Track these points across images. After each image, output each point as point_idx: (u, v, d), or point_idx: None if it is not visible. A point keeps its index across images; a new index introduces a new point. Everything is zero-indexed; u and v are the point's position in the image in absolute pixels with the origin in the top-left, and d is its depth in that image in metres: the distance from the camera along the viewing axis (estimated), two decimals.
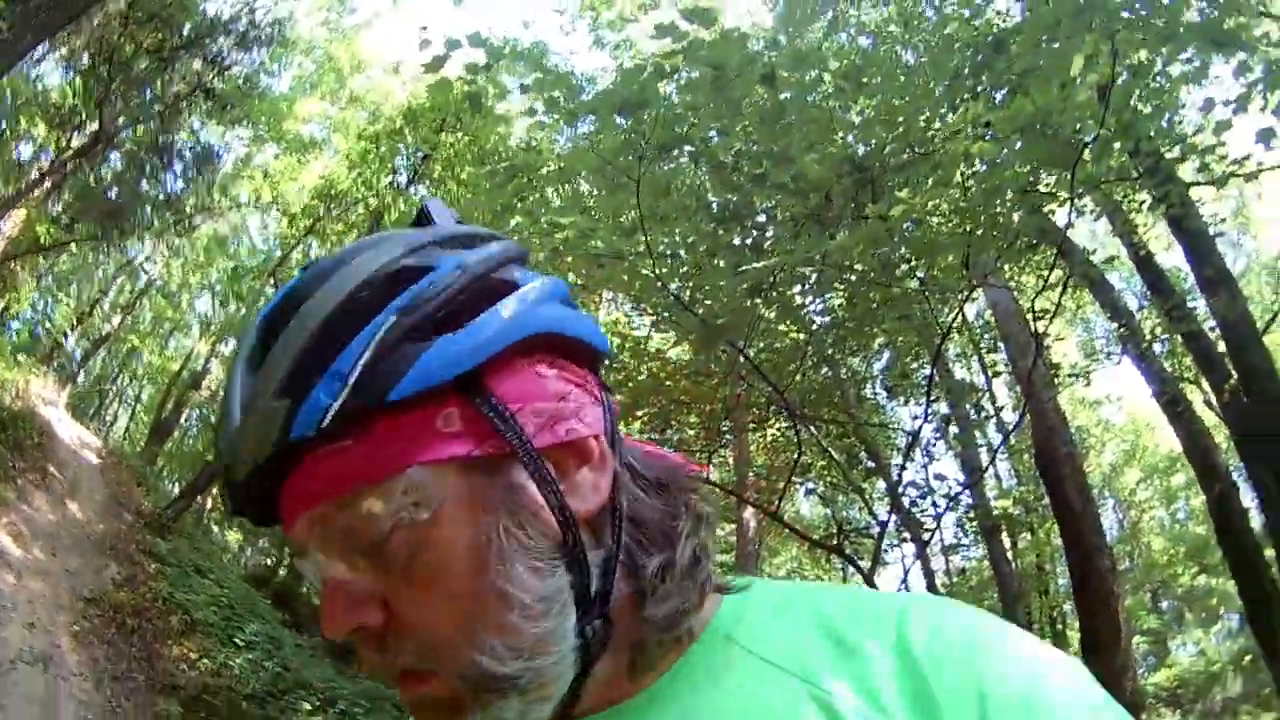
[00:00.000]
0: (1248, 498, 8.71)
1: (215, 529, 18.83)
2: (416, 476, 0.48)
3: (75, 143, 13.19)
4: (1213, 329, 8.06)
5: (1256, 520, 8.61)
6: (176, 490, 15.12)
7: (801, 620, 0.53)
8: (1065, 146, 4.23)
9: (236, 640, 9.78)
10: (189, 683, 8.41)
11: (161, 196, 15.20)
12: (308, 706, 9.34)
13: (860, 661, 0.49)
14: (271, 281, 15.84)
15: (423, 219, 0.59)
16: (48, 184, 12.97)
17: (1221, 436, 9.88)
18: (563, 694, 0.51)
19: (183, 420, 19.19)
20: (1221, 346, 7.94)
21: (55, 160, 13.08)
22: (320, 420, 0.46)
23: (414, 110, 14.73)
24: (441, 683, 0.49)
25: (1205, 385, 9.02)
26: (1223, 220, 11.79)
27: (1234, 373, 7.73)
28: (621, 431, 0.59)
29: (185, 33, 13.83)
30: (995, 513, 7.66)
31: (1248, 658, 12.99)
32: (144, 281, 19.54)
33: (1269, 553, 7.83)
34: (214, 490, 17.24)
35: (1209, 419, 9.50)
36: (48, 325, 17.51)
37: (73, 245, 15.35)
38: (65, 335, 17.30)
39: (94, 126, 13.10)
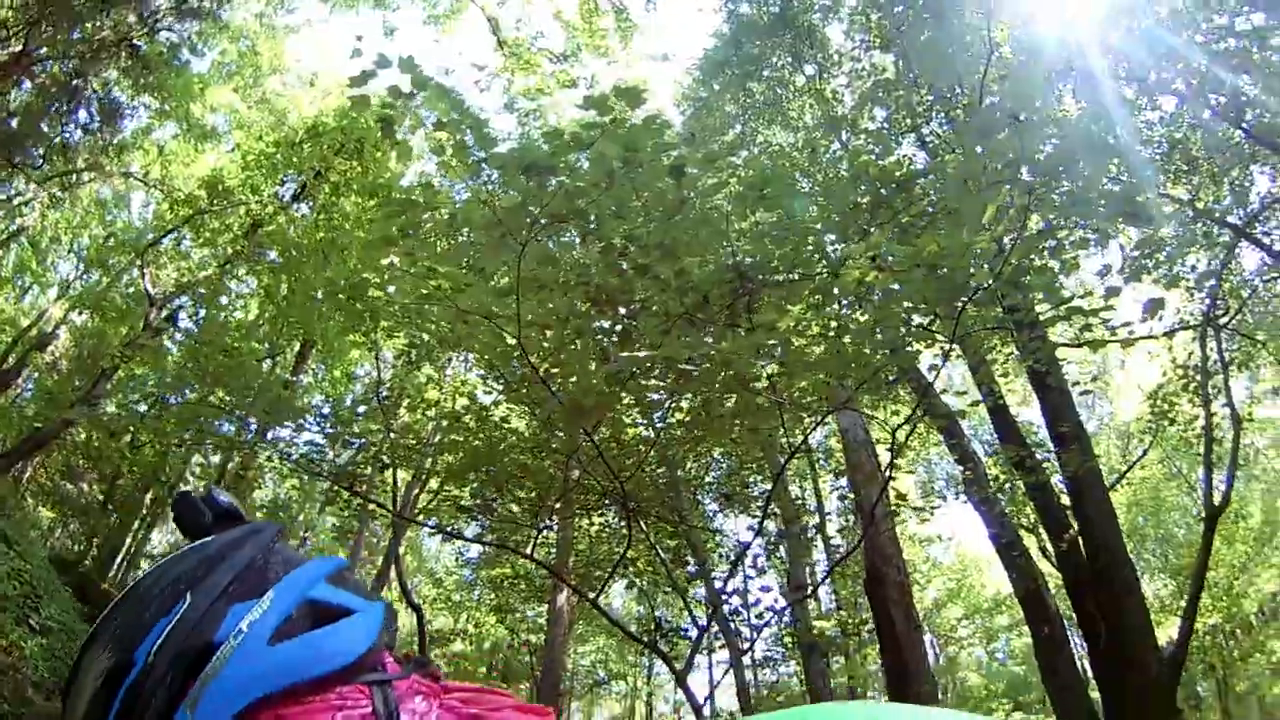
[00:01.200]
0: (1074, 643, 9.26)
1: (29, 500, 17.47)
2: None
3: None
4: (1059, 482, 8.59)
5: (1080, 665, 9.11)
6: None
7: None
8: (955, 290, 4.44)
9: (31, 622, 9.02)
10: None
11: (58, 140, 14.41)
12: None
13: None
14: (139, 263, 15.09)
15: (178, 521, 0.61)
16: None
17: (1054, 583, 10.45)
18: None
19: (20, 380, 17.78)
20: (1065, 499, 8.47)
21: None
22: None
23: (317, 126, 14.57)
24: None
25: (1043, 534, 9.59)
26: (1092, 380, 12.75)
27: (1074, 525, 8.25)
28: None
29: None
30: (815, 632, 7.81)
31: None
32: (17, 225, 18.25)
33: (1094, 694, 8.28)
34: (36, 458, 15.99)
35: (1045, 566, 10.06)
36: None
37: None
38: None
39: (17, 47, 12.38)
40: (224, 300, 15.91)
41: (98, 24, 13.48)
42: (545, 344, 4.32)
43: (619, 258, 4.69)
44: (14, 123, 13.51)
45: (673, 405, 4.67)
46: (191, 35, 14.93)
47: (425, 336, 4.64)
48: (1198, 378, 9.43)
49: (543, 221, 4.36)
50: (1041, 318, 5.61)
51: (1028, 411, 12.64)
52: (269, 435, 6.93)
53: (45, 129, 14.20)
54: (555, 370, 4.22)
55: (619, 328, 4.49)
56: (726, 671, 5.17)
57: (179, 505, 0.62)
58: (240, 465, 11.28)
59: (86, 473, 16.88)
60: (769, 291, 5.17)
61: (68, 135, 14.57)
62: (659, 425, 4.55)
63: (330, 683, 0.53)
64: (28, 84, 13.85)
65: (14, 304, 21.58)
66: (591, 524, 5.95)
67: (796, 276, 5.27)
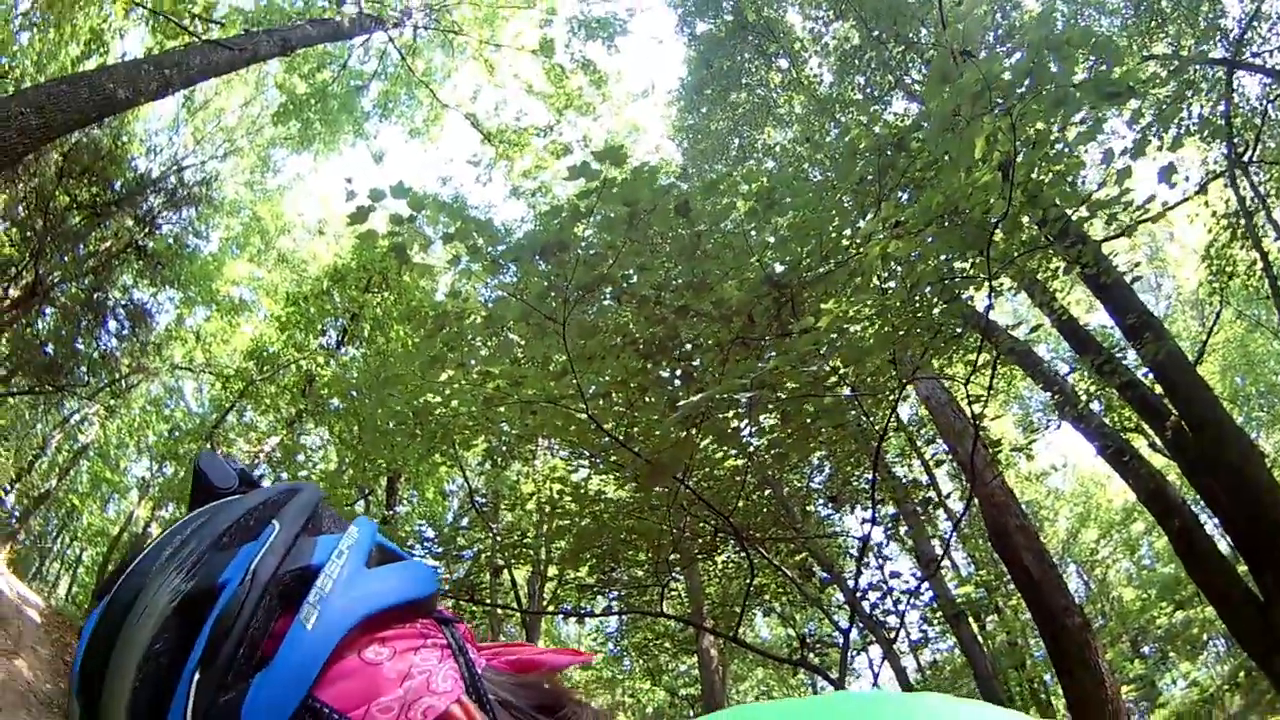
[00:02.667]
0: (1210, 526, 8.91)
1: None
2: None
3: (11, 294, 13.06)
4: (1146, 374, 8.33)
5: (1223, 544, 8.77)
6: None
7: None
8: (976, 230, 4.41)
9: None
10: None
11: (96, 354, 15.02)
12: None
13: None
14: (208, 445, 15.56)
15: (200, 481, 0.59)
16: None
17: (1174, 474, 10.09)
18: None
19: None
20: (1158, 389, 8.20)
21: None
22: None
23: (340, 270, 14.93)
24: None
25: (1148, 429, 9.29)
26: (1137, 265, 12.41)
27: (1174, 410, 7.98)
28: (474, 658, 0.57)
29: (117, 188, 13.98)
30: (958, 600, 7.64)
31: (1241, 674, 12.96)
32: (82, 442, 19.05)
33: (1242, 569, 7.93)
34: None
35: (1158, 461, 9.74)
36: None
37: (9, 399, 14.99)
38: (4, 491, 16.70)
39: (29, 278, 13.01)
40: (300, 458, 16.32)
41: (99, 235, 14.09)
42: (616, 407, 4.37)
43: (655, 307, 4.75)
44: (49, 349, 14.11)
45: (754, 430, 4.67)
46: (191, 221, 15.55)
47: (500, 438, 4.75)
48: (1242, 222, 9.15)
49: (574, 298, 4.43)
50: (1072, 221, 5.51)
51: (1099, 316, 12.34)
52: None
53: (81, 347, 14.80)
54: (635, 430, 4.26)
55: (678, 372, 4.53)
56: (882, 663, 5.09)
57: (205, 460, 0.61)
58: None
59: None
60: (808, 290, 5.18)
61: (104, 345, 15.16)
62: (750, 449, 4.55)
63: (413, 612, 0.56)
64: (50, 310, 14.49)
65: (100, 516, 22.39)
66: (714, 564, 5.94)
67: (826, 269, 5.28)
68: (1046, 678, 12.79)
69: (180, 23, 11.00)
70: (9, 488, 17.01)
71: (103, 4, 12.82)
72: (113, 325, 15.40)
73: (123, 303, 15.62)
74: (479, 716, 0.52)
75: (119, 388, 16.17)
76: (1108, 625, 17.63)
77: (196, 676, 0.46)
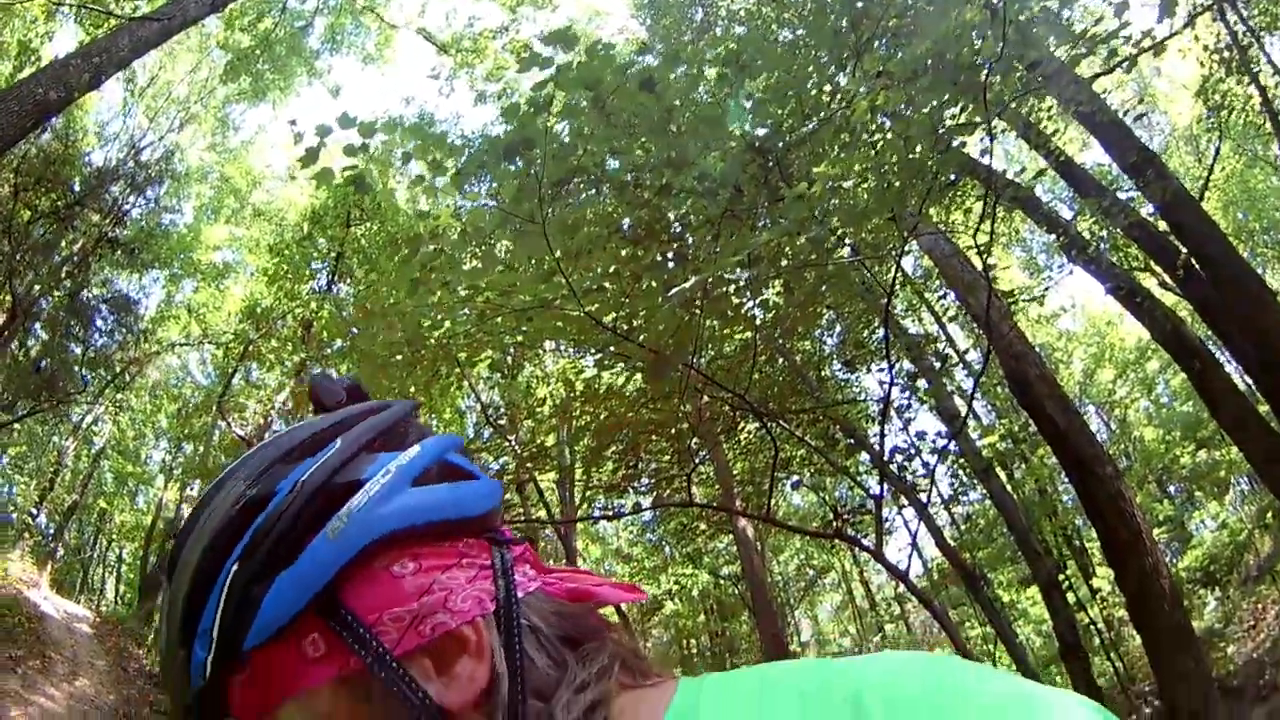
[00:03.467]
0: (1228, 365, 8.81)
1: None
2: (294, 707, 0.52)
3: None
4: (1151, 213, 8.12)
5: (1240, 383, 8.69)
6: None
7: (768, 712, 0.50)
8: (968, 74, 4.17)
9: None
10: None
11: (91, 354, 14.91)
12: None
13: None
14: (219, 416, 15.53)
15: (314, 400, 0.64)
16: None
17: (1185, 311, 9.96)
18: None
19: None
20: (1162, 226, 7.99)
21: None
22: (202, 673, 0.53)
23: (317, 212, 14.64)
24: None
25: (1157, 269, 9.11)
26: (1128, 102, 12.02)
27: (1182, 248, 7.79)
28: (523, 579, 0.59)
29: (77, 189, 13.68)
30: (985, 453, 7.58)
31: (1269, 515, 13.09)
32: (97, 445, 19.12)
33: (1264, 409, 7.86)
34: None
35: (1169, 300, 9.59)
36: (12, 508, 17.06)
37: (15, 426, 14.99)
38: (32, 514, 16.86)
39: (7, 301, 12.85)
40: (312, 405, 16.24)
41: (69, 238, 13.83)
42: (612, 300, 4.20)
43: (636, 190, 4.53)
44: (43, 364, 14.01)
45: (758, 303, 4.50)
46: (159, 199, 15.21)
47: (502, 350, 4.60)
48: (1235, 55, 8.81)
49: (550, 195, 4.21)
50: (1065, 59, 5.24)
51: (1094, 154, 12.01)
52: None
53: (76, 350, 14.68)
54: (635, 321, 4.09)
55: (670, 255, 4.33)
56: (918, 526, 5.05)
57: (316, 380, 0.66)
58: None
59: None
60: (794, 153, 4.94)
61: (96, 345, 15.03)
62: (757, 323, 4.38)
63: (458, 531, 0.58)
64: (37, 326, 14.33)
65: (131, 511, 22.66)
66: (737, 442, 5.84)
67: (810, 128, 5.03)
68: (1078, 522, 12.87)
69: (104, 10, 10.57)
70: (37, 508, 17.16)
71: (25, 15, 12.37)
72: (100, 323, 15.27)
73: (105, 298, 15.46)
74: (489, 641, 0.54)
75: (121, 382, 16.10)
76: (1133, 467, 17.70)
77: (235, 568, 0.52)
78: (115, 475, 21.38)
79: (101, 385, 15.42)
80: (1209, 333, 8.84)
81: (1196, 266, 7.65)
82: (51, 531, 17.60)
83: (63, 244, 13.76)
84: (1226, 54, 8.94)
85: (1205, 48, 8.94)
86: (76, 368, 14.28)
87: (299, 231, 15.38)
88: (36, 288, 13.41)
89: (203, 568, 0.54)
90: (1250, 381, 8.35)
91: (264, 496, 0.55)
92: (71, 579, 20.46)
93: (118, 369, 15.43)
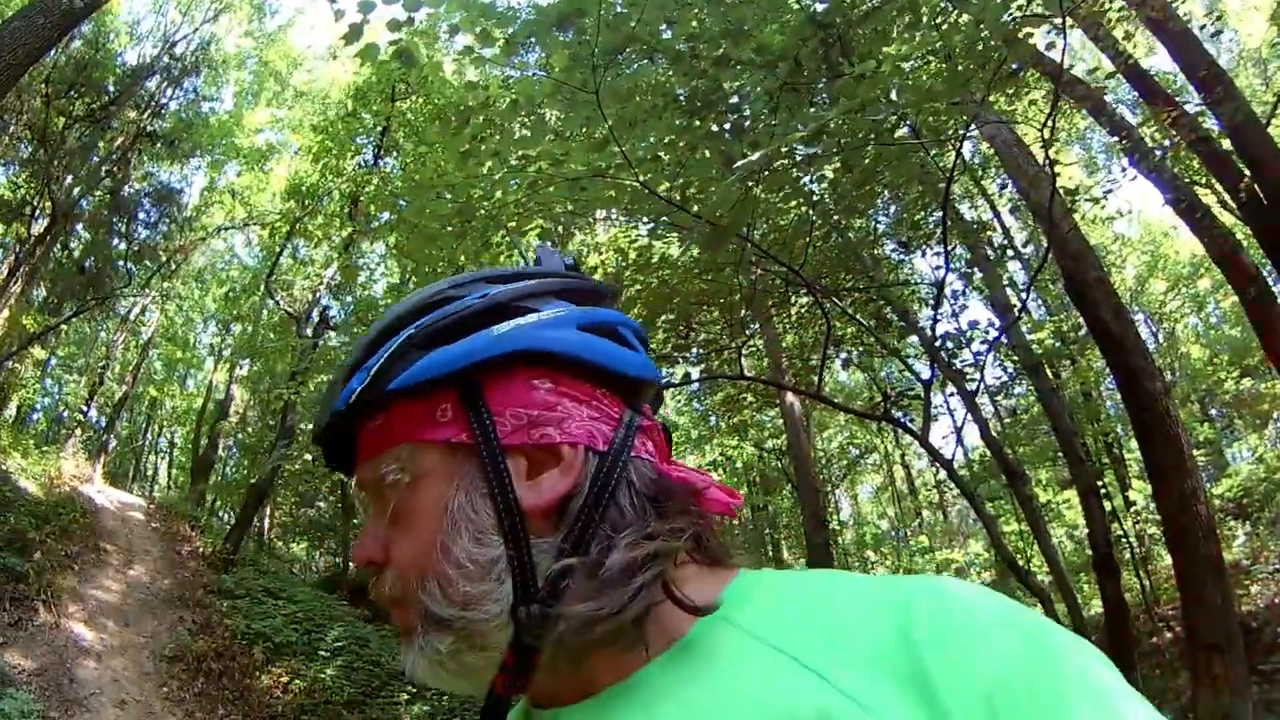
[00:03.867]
0: None
1: (279, 544, 19.07)
2: (407, 451, 0.61)
3: (36, 229, 13.12)
4: (1215, 130, 7.75)
5: None
6: (230, 522, 15.22)
7: (804, 605, 0.55)
8: None
9: (322, 652, 9.88)
10: (286, 708, 8.51)
11: (135, 248, 15.09)
12: (405, 696, 9.48)
13: (859, 649, 0.50)
14: (268, 294, 15.72)
15: (537, 263, 0.72)
16: (21, 277, 12.90)
17: (1243, 236, 9.59)
18: (502, 656, 0.58)
19: (220, 452, 19.29)
20: (1226, 145, 7.64)
21: (21, 252, 13.02)
22: (349, 399, 0.62)
23: (362, 88, 14.38)
24: (406, 611, 0.61)
25: (1219, 187, 8.73)
26: (1210, 16, 11.31)
27: (1246, 171, 7.45)
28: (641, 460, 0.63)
29: (111, 89, 13.60)
30: (1036, 350, 7.44)
31: None
32: (145, 335, 19.55)
33: None
34: (267, 510, 17.39)
35: (1227, 219, 9.21)
36: (64, 406, 17.62)
37: (64, 326, 15.34)
38: (83, 411, 17.40)
39: (48, 208, 13.00)
40: (361, 278, 16.33)
41: (108, 138, 13.83)
42: (667, 170, 4.11)
43: (692, 61, 4.37)
44: (88, 263, 14.21)
45: (816, 178, 4.38)
46: (197, 89, 15.09)
47: (552, 220, 4.56)
48: None
49: (603, 64, 4.08)
50: None
51: (1157, 60, 11.39)
52: None
53: (119, 245, 14.83)
54: (691, 190, 4.01)
55: (727, 126, 4.20)
56: (965, 418, 5.01)
57: (541, 250, 0.74)
58: None
59: (317, 494, 18.07)
60: (857, 28, 4.73)
61: (139, 237, 15.17)
62: (815, 198, 4.28)
63: (602, 379, 0.62)
64: (80, 226, 14.48)
65: (181, 396, 23.36)
66: (788, 316, 5.79)
67: (874, 4, 4.79)
68: (1120, 431, 12.74)
69: None
70: (88, 404, 17.67)
71: None
72: (143, 216, 15.39)
73: (147, 191, 15.54)
74: (580, 466, 0.59)
75: (167, 271, 16.33)
76: (1178, 384, 17.38)
77: (409, 333, 0.61)
78: (164, 363, 21.93)
79: (148, 276, 15.66)
80: (1264, 260, 8.49)
81: (1259, 191, 7.33)
82: (103, 424, 18.20)
83: (100, 144, 13.78)
84: None
85: None
86: (121, 262, 14.47)
87: (342, 109, 15.18)
88: (76, 190, 13.51)
89: (386, 328, 0.63)
90: None
91: (457, 297, 0.64)
92: (124, 469, 21.31)
93: (163, 259, 15.64)
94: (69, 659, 7.38)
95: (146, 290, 16.33)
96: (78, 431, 16.45)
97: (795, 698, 0.49)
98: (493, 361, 0.59)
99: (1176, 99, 8.02)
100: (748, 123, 4.21)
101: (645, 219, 4.59)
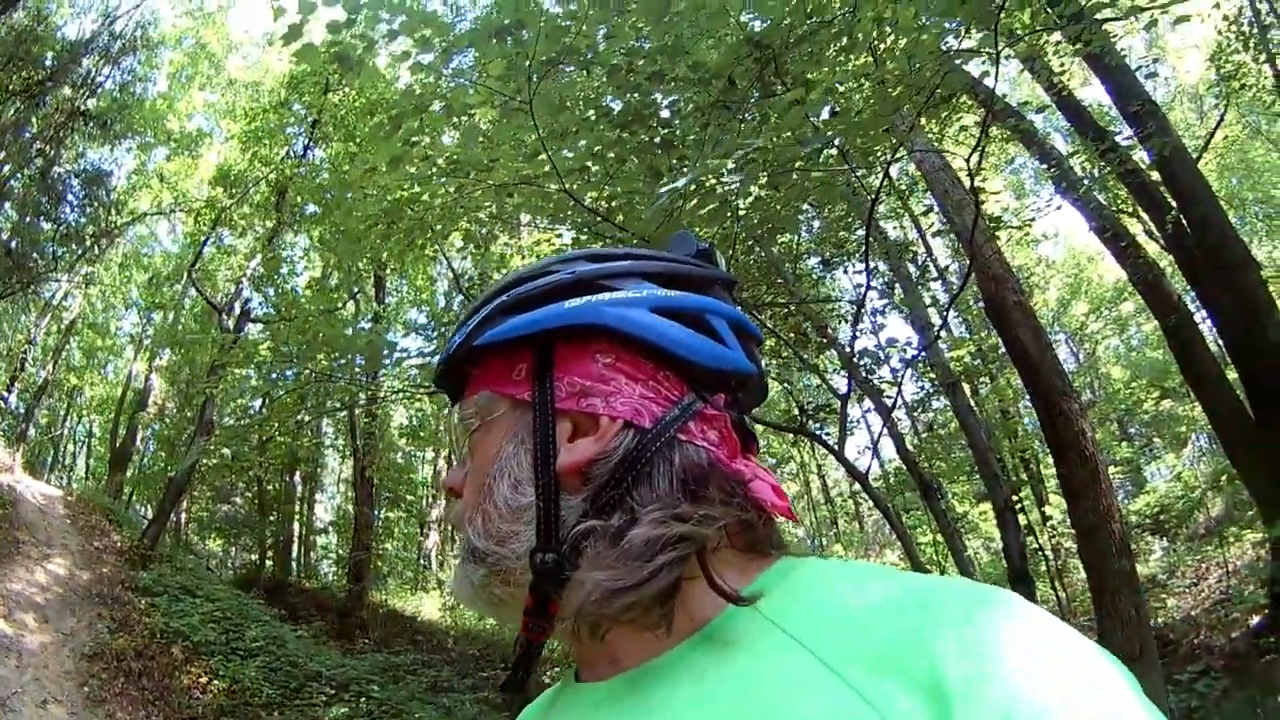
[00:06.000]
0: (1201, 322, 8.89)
1: (196, 540, 18.54)
2: (483, 399, 0.69)
3: None
4: (1145, 161, 8.08)
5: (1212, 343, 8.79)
6: (148, 515, 14.74)
7: (833, 600, 0.56)
8: (981, 2, 4.03)
9: (240, 652, 9.65)
10: (205, 709, 8.29)
11: (63, 230, 14.55)
12: (323, 697, 9.32)
13: (879, 650, 0.50)
14: (191, 283, 15.29)
15: (675, 244, 0.75)
16: None
17: (1166, 264, 10.01)
18: (525, 596, 0.63)
19: (138, 443, 18.68)
20: (1155, 177, 7.96)
21: None
22: (449, 350, 0.72)
23: (295, 78, 14.13)
24: (465, 537, 0.68)
25: (1144, 216, 9.10)
26: (1154, 58, 11.79)
27: (1173, 203, 7.78)
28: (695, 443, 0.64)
29: (48, 65, 13.11)
30: (954, 368, 7.64)
31: (1224, 478, 13.30)
32: (67, 319, 18.83)
33: (1232, 375, 7.97)
34: (184, 504, 16.89)
35: (1152, 249, 9.61)
36: None
37: None
38: (4, 397, 16.70)
39: None
40: (284, 270, 15.99)
41: (41, 115, 13.35)
42: (594, 179, 4.14)
43: (627, 75, 4.41)
44: (13, 244, 13.66)
45: (741, 193, 4.44)
46: (133, 70, 14.62)
47: (478, 224, 4.54)
48: (1255, 33, 8.64)
49: (537, 75, 4.10)
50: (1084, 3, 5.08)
51: (1092, 90, 11.82)
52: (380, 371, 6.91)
53: (46, 226, 14.31)
54: (615, 202, 4.04)
55: (657, 140, 4.25)
56: (881, 432, 5.12)
57: (675, 235, 0.77)
58: (368, 409, 11.50)
59: (234, 489, 17.66)
60: (792, 52, 4.81)
61: (66, 219, 14.65)
62: (740, 214, 4.34)
63: (668, 363, 0.65)
64: (8, 205, 13.92)
65: (102, 383, 22.52)
66: None
67: (810, 28, 4.89)
68: (1037, 447, 13.12)
69: None
70: (9, 389, 16.96)
71: None
72: (71, 198, 14.86)
73: (77, 172, 15.01)
74: (617, 439, 0.62)
75: (92, 255, 15.77)
76: (1097, 404, 18.04)
77: (502, 299, 0.68)
78: (85, 349, 21.15)
79: (73, 259, 15.12)
80: (1187, 289, 8.89)
81: (1185, 223, 7.66)
82: (22, 411, 17.48)
83: (34, 121, 13.28)
84: (1246, 28, 8.78)
85: (1225, 16, 8.77)
86: (47, 244, 13.95)
87: (275, 98, 14.89)
88: (6, 167, 13.00)
89: (490, 294, 0.71)
90: (1222, 344, 8.45)
91: (552, 271, 0.69)
92: (43, 458, 20.46)
93: (88, 242, 15.11)
94: None
95: (71, 275, 15.75)
96: None
97: (809, 695, 0.50)
98: (567, 331, 0.65)
99: (1108, 130, 8.35)
100: (676, 138, 4.25)
101: (570, 227, 4.60)
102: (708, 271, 0.71)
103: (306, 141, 14.87)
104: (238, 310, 13.99)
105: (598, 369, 0.64)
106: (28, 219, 13.92)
